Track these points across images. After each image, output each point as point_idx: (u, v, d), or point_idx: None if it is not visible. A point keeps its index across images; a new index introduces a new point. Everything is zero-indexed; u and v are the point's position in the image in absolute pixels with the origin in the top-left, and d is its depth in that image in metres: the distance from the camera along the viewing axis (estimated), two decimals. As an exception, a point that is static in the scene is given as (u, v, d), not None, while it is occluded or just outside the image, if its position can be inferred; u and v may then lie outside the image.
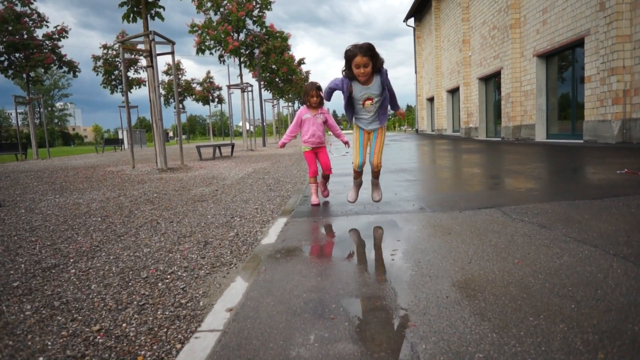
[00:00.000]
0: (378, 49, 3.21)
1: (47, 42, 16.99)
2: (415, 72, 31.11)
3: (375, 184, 3.77)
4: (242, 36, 18.42)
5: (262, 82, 24.16)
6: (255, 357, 1.34)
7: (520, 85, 14.13)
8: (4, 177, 8.31)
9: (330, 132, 4.38)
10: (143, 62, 22.96)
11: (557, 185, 4.51)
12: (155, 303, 1.92)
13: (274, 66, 24.34)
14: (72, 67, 17.98)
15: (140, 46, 9.03)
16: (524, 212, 3.14)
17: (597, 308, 1.53)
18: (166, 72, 32.95)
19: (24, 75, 16.74)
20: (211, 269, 2.37)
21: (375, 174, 3.69)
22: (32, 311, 1.89)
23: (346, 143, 4.14)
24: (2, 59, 16.16)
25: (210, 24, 17.80)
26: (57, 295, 2.07)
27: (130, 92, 28.11)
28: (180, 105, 35.14)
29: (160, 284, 2.16)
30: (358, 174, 3.70)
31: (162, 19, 9.50)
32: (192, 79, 35.67)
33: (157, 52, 8.54)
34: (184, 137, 55.68)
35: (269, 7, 18.19)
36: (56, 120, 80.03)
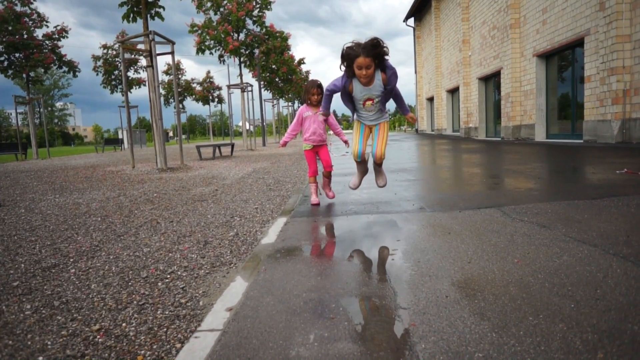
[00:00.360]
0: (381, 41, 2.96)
1: (47, 42, 16.98)
2: (415, 72, 31.12)
3: (379, 170, 3.69)
4: (242, 36, 18.42)
5: (262, 82, 24.17)
6: (255, 356, 1.35)
7: (520, 85, 14.13)
8: (4, 177, 8.31)
9: (330, 131, 4.36)
10: (143, 62, 22.96)
11: (557, 185, 4.51)
12: (155, 303, 1.92)
13: (273, 66, 24.35)
14: (72, 67, 17.98)
15: (140, 46, 9.03)
16: (523, 211, 3.14)
17: (596, 308, 1.53)
18: (166, 72, 32.94)
19: (24, 75, 16.73)
20: (211, 269, 2.37)
21: (380, 164, 3.58)
22: (31, 311, 1.89)
23: (346, 142, 4.12)
24: (2, 58, 16.16)
25: (210, 24, 17.80)
26: (56, 294, 2.07)
27: (130, 92, 28.13)
28: (180, 105, 35.15)
29: (160, 284, 2.16)
30: (359, 163, 3.60)
31: (162, 18, 9.51)
32: (192, 79, 35.67)
33: (157, 52, 8.54)
34: (183, 137, 55.69)
35: (268, 7, 18.19)
36: (56, 120, 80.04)
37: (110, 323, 1.73)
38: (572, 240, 2.36)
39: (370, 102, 3.26)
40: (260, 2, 18.03)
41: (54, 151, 29.77)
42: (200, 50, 17.98)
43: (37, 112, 44.90)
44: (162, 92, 32.72)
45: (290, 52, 25.29)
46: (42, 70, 17.67)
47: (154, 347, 1.53)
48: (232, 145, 13.89)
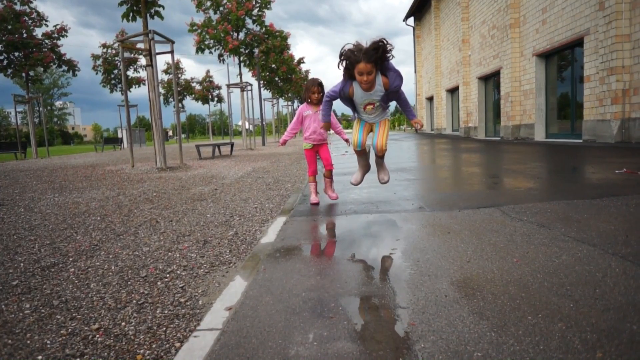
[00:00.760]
0: (385, 42, 2.82)
1: (46, 41, 16.95)
2: (415, 72, 31.12)
3: (381, 165, 3.60)
4: (241, 35, 18.41)
5: (261, 81, 24.16)
6: (254, 355, 1.35)
7: (519, 84, 14.13)
8: (4, 176, 8.31)
9: (331, 130, 4.35)
10: (142, 61, 22.95)
11: (556, 184, 4.52)
12: (154, 302, 1.92)
13: (273, 65, 24.34)
14: (72, 66, 17.95)
15: (140, 45, 9.03)
16: (523, 211, 3.14)
17: (595, 307, 1.53)
18: (166, 71, 32.92)
19: (24, 74, 16.71)
20: (210, 268, 2.37)
21: (381, 156, 3.50)
22: (31, 310, 1.89)
23: (347, 141, 4.10)
24: (2, 57, 16.13)
25: (210, 23, 17.79)
26: (56, 294, 2.07)
27: (130, 91, 28.14)
28: (180, 105, 35.14)
29: (159, 283, 2.16)
30: (360, 153, 3.52)
31: (162, 18, 9.50)
32: (192, 78, 35.65)
33: (157, 51, 8.54)
34: (183, 136, 55.66)
35: (268, 6, 18.17)
36: (55, 119, 80.00)
37: (109, 322, 1.73)
38: (571, 240, 2.36)
39: (371, 106, 3.20)
40: (259, 1, 18.01)
41: (54, 150, 29.75)
42: (200, 49, 17.97)
43: (36, 111, 44.84)
44: (162, 91, 32.70)
45: (290, 52, 25.29)
46: (42, 69, 17.63)
47: (153, 346, 1.53)
48: (232, 145, 13.89)
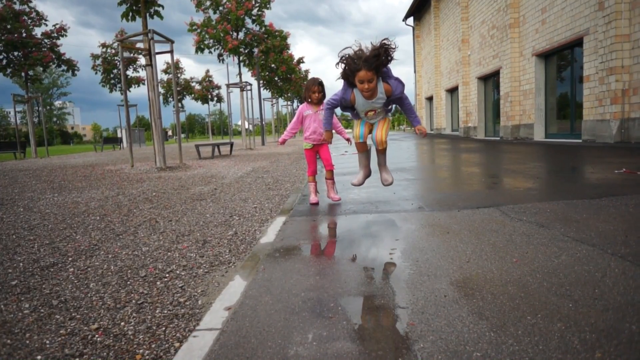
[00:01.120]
0: (388, 44, 2.76)
1: (45, 40, 16.95)
2: (415, 72, 31.11)
3: (383, 165, 3.51)
4: (241, 35, 18.42)
5: (261, 81, 24.16)
6: (253, 355, 1.35)
7: (519, 84, 14.13)
8: (3, 176, 8.30)
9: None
10: (142, 60, 22.93)
11: (556, 184, 4.52)
12: (153, 302, 1.92)
13: (273, 65, 24.34)
14: (71, 66, 17.95)
15: (140, 45, 9.02)
16: (522, 211, 3.14)
17: (594, 307, 1.53)
18: (165, 71, 32.93)
19: (23, 74, 16.70)
20: (210, 268, 2.37)
21: (382, 151, 3.40)
22: (30, 310, 1.89)
23: (348, 140, 4.09)
24: (1, 57, 16.13)
25: (210, 23, 17.79)
26: (55, 294, 2.07)
27: (129, 91, 28.13)
28: (179, 104, 35.12)
29: (158, 283, 2.16)
30: (361, 146, 3.43)
31: (161, 17, 9.50)
32: (191, 78, 35.67)
33: (156, 50, 8.53)
34: (182, 136, 55.66)
35: (268, 6, 18.18)
36: (55, 119, 79.94)
37: (108, 322, 1.73)
38: (570, 240, 2.36)
39: (373, 112, 3.18)
40: (259, 1, 18.02)
41: (53, 150, 29.73)
42: (200, 49, 17.97)
43: (35, 110, 44.81)
44: (161, 91, 32.69)
45: (290, 51, 25.29)
46: (41, 68, 17.64)
47: (153, 346, 1.53)
48: (231, 145, 13.89)
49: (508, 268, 1.98)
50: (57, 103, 78.68)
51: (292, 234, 2.90)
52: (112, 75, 25.76)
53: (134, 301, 1.94)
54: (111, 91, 26.37)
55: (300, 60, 30.35)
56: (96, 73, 25.69)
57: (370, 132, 3.38)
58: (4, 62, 16.21)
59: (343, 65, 2.89)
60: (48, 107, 73.56)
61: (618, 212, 2.96)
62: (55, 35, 17.20)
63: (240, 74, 18.83)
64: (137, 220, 3.74)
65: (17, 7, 15.96)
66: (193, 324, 1.67)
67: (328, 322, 1.54)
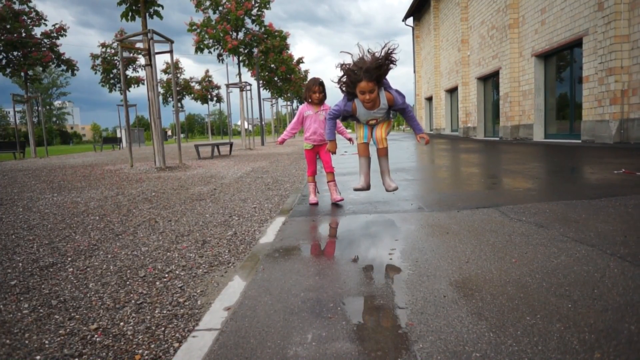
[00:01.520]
0: (392, 55, 2.71)
1: (45, 40, 16.94)
2: (414, 72, 31.13)
3: (386, 172, 3.39)
4: (240, 35, 18.41)
5: (260, 81, 24.15)
6: (252, 356, 1.35)
7: (518, 85, 14.14)
8: (2, 176, 8.29)
9: None
10: (142, 60, 22.93)
11: (555, 185, 4.52)
12: (153, 302, 1.92)
13: (272, 65, 24.35)
14: (71, 66, 17.94)
15: (139, 45, 9.02)
16: (521, 211, 3.14)
17: (593, 307, 1.53)
18: (165, 71, 32.91)
19: (22, 74, 16.69)
20: (209, 268, 2.37)
21: (383, 151, 3.31)
22: (29, 310, 1.88)
23: (350, 140, 4.08)
24: (0, 57, 16.11)
25: (209, 23, 17.79)
26: (54, 294, 2.07)
27: (129, 91, 28.11)
28: (179, 104, 35.12)
29: (158, 283, 2.16)
30: (364, 149, 3.32)
31: (161, 17, 9.49)
32: (191, 78, 35.67)
33: (156, 50, 8.53)
34: (182, 136, 55.66)
35: (267, 6, 18.18)
36: (54, 119, 79.90)
37: (108, 322, 1.73)
38: (569, 240, 2.36)
39: (374, 121, 3.18)
40: (259, 1, 18.02)
41: (52, 150, 29.71)
42: (199, 49, 17.97)
43: (35, 110, 44.79)
44: (161, 91, 32.68)
45: (289, 52, 25.30)
46: (41, 68, 17.63)
47: (152, 346, 1.53)
48: (231, 145, 13.89)
49: (507, 268, 1.98)
50: (57, 103, 78.67)
51: (292, 234, 2.90)
52: (111, 75, 25.76)
53: (133, 301, 1.93)
54: (111, 91, 26.37)
55: (299, 61, 30.36)
56: (96, 73, 25.69)
57: (372, 132, 3.37)
58: (4, 62, 16.20)
59: (343, 78, 2.85)
60: (47, 107, 73.53)
61: (617, 212, 2.96)
62: (55, 35, 17.19)
63: (239, 74, 18.83)
64: (136, 220, 3.73)
65: (16, 6, 15.95)
66: (192, 324, 1.67)
67: (327, 322, 1.54)
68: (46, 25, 16.95)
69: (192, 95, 35.29)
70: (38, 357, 1.48)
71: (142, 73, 25.67)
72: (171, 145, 25.41)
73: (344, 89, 2.95)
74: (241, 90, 18.29)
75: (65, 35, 17.57)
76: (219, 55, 18.53)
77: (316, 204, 3.93)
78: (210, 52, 18.31)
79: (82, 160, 13.85)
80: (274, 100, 31.12)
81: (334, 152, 3.57)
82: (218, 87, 36.28)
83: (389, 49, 2.77)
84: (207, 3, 17.75)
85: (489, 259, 2.12)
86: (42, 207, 4.52)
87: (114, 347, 1.53)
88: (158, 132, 8.63)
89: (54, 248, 2.90)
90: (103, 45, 25.30)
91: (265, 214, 3.80)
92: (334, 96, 3.72)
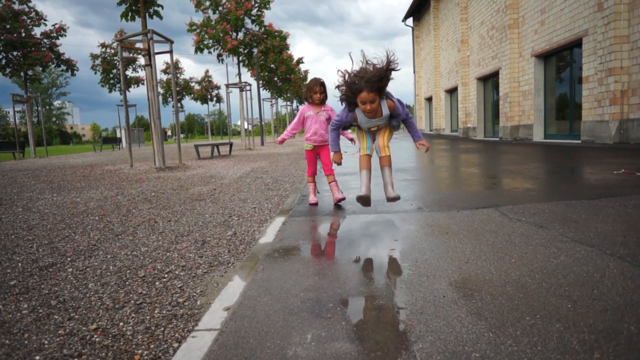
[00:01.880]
0: (393, 66, 2.66)
1: (45, 40, 16.94)
2: (414, 72, 31.13)
3: (389, 183, 3.23)
4: (240, 35, 18.40)
5: (260, 81, 24.15)
6: (252, 356, 1.35)
7: (518, 85, 14.15)
8: (2, 176, 8.29)
9: None
10: (141, 60, 22.93)
11: (555, 185, 4.52)
12: (152, 302, 1.92)
13: (272, 65, 24.36)
14: (70, 66, 17.94)
15: (139, 45, 9.01)
16: (521, 212, 3.14)
17: (593, 308, 1.53)
18: (164, 71, 32.91)
19: (22, 74, 16.68)
20: (209, 268, 2.37)
21: (385, 160, 3.21)
22: (29, 310, 1.88)
23: (352, 140, 4.08)
24: (0, 57, 16.11)
25: (209, 23, 17.78)
26: (54, 294, 2.07)
27: (129, 91, 28.09)
28: (179, 104, 35.12)
29: (157, 283, 2.16)
30: (366, 161, 3.22)
31: (161, 17, 9.50)
32: (191, 78, 35.70)
33: (156, 50, 8.53)
34: (182, 136, 55.64)
35: (267, 6, 18.18)
36: (54, 119, 79.86)
37: (107, 322, 1.73)
38: (569, 241, 2.36)
39: (376, 127, 3.16)
40: (258, 1, 18.02)
41: (52, 150, 29.70)
42: (199, 49, 17.96)
43: (35, 110, 44.77)
44: (161, 91, 32.69)
45: (289, 52, 25.30)
46: (40, 68, 17.63)
47: (151, 346, 1.52)
48: (231, 145, 13.89)
49: (507, 268, 1.98)
50: (57, 103, 78.62)
51: (291, 235, 2.90)
52: (111, 75, 25.77)
53: (132, 301, 1.93)
54: (110, 91, 26.37)
55: (299, 61, 30.36)
56: (95, 73, 25.69)
57: (374, 140, 3.31)
58: (3, 61, 16.19)
59: (343, 88, 2.83)
60: (47, 107, 73.51)
61: (617, 212, 2.96)
62: (55, 35, 17.19)
63: (239, 74, 18.82)
64: (136, 220, 3.73)
65: (16, 6, 15.95)
66: (192, 325, 1.67)
67: (327, 322, 1.54)
68: (46, 25, 16.96)
69: (192, 95, 35.31)
70: (37, 358, 1.48)
71: (142, 73, 25.69)
72: (171, 145, 25.41)
73: (344, 98, 2.92)
74: (241, 90, 18.29)
75: (65, 35, 17.58)
76: (219, 55, 18.53)
77: (316, 204, 3.93)
78: (210, 52, 18.30)
79: (82, 160, 13.85)
80: (273, 101, 31.12)
81: (340, 164, 3.46)
82: (218, 87, 36.31)
83: (389, 60, 2.74)
84: (207, 3, 17.75)
85: (488, 259, 2.12)
86: (41, 207, 4.52)
87: (114, 347, 1.53)
88: (158, 132, 8.63)
89: (53, 248, 2.89)
90: (103, 45, 25.31)
91: (265, 214, 3.80)
92: (334, 96, 3.71)
